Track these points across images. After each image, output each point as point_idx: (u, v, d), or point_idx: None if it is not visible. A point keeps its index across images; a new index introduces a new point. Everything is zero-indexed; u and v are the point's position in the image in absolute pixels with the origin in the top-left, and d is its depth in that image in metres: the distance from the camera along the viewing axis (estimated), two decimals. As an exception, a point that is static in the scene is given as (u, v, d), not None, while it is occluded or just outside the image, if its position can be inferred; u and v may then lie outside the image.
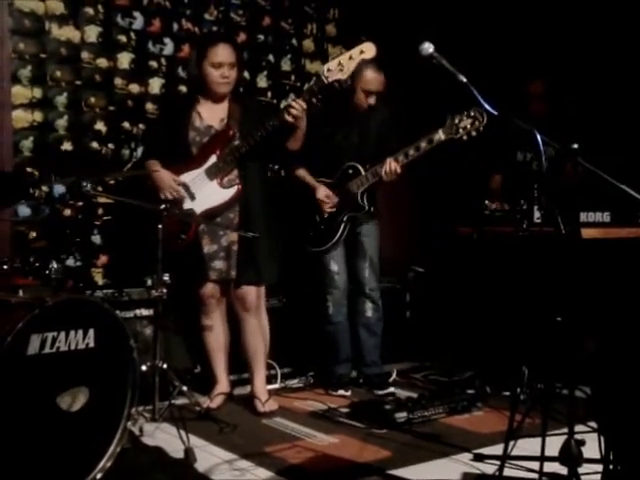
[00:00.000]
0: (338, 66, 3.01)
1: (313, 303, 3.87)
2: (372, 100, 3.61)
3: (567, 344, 2.28)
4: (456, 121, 3.28)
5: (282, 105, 3.95)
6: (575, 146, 2.19)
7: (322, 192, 3.65)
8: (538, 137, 2.14)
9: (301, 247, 3.74)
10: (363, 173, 3.60)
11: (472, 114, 3.24)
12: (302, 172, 3.71)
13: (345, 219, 3.66)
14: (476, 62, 3.19)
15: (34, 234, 3.66)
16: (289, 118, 3.10)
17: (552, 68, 4.19)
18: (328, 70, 3.03)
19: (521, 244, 3.30)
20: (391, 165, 3.44)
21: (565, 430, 2.18)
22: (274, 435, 3.09)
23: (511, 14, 4.41)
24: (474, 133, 3.26)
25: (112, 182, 3.82)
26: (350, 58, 3.00)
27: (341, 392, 3.72)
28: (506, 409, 2.85)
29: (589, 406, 2.53)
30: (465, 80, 2.65)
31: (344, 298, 3.78)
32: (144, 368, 2.90)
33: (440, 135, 3.33)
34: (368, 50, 3.01)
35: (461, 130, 3.28)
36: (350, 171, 3.64)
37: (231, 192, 3.25)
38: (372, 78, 3.56)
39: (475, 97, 2.21)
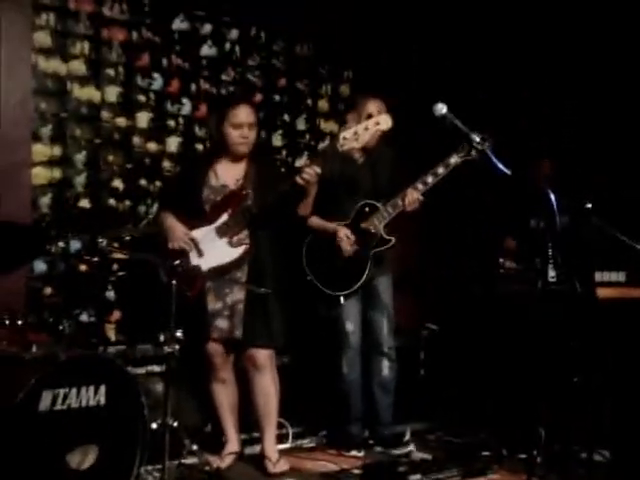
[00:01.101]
0: (354, 135, 3.07)
1: (325, 360, 3.83)
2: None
3: (585, 405, 2.24)
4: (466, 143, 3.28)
5: (296, 166, 3.99)
6: (589, 205, 2.20)
7: (343, 231, 3.59)
8: (552, 198, 2.15)
9: (321, 295, 3.63)
10: (381, 208, 3.59)
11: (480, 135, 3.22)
12: (315, 220, 3.67)
13: (371, 257, 3.59)
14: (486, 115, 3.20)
15: (49, 290, 3.68)
16: (301, 183, 3.14)
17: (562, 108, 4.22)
18: (344, 138, 3.08)
19: (536, 303, 3.27)
20: (412, 194, 3.46)
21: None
22: (285, 497, 3.03)
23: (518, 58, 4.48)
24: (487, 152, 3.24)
25: (128, 238, 3.85)
26: (366, 129, 3.07)
27: (354, 452, 3.64)
28: (522, 472, 2.78)
29: (609, 470, 2.46)
30: (478, 139, 2.69)
31: (358, 355, 3.73)
32: (154, 426, 2.87)
33: (455, 158, 3.37)
34: (384, 122, 3.08)
35: (474, 151, 3.25)
36: (367, 209, 3.62)
37: (239, 251, 3.25)
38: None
39: (489, 158, 2.24)
